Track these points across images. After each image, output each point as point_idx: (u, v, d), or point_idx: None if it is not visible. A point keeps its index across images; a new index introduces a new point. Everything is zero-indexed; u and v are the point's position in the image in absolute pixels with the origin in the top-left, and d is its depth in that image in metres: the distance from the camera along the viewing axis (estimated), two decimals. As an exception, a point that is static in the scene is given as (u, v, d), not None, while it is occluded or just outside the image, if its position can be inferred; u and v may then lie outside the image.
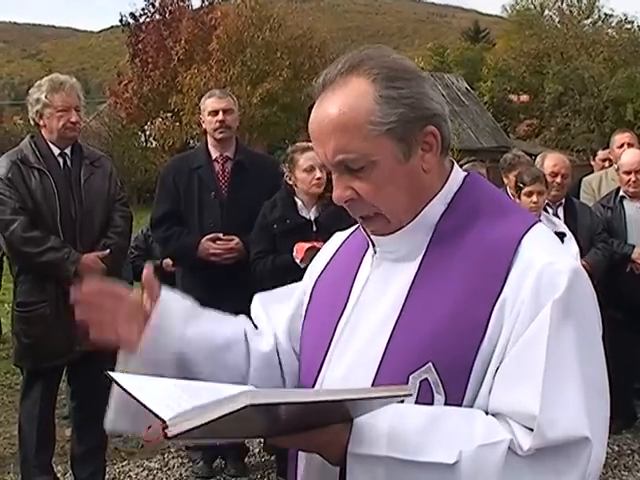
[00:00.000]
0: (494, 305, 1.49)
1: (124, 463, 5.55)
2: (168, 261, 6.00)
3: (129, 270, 6.05)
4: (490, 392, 1.49)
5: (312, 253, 4.46)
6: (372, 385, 1.55)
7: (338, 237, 1.95)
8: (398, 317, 1.58)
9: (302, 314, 1.86)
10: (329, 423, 1.44)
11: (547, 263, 1.50)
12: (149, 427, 1.35)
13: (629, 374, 6.22)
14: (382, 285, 1.67)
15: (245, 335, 1.86)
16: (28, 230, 4.42)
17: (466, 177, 1.70)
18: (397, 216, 1.63)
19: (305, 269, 4.81)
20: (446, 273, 1.57)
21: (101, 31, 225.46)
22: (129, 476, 5.42)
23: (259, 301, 2.01)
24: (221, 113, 5.16)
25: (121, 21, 37.54)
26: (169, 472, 5.45)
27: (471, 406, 1.50)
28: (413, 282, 1.60)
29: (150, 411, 1.37)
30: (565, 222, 5.79)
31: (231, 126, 5.21)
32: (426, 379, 1.51)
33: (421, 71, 1.67)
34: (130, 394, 1.45)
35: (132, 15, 37.02)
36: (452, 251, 1.59)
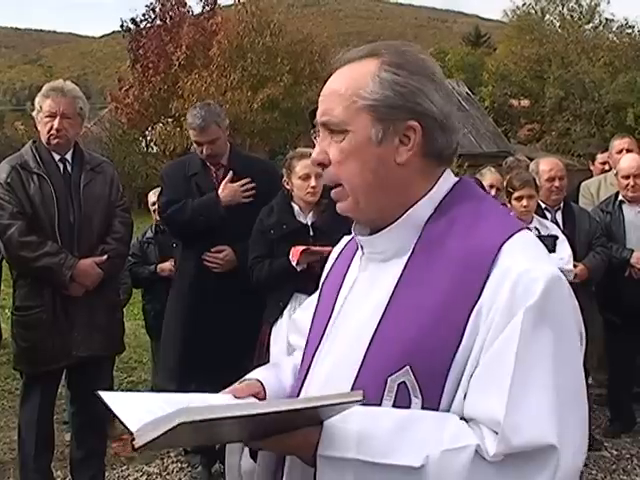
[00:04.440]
0: (471, 311, 1.50)
1: (123, 468, 5.55)
2: (163, 266, 6.08)
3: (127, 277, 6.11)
4: (465, 397, 1.51)
5: (308, 255, 4.49)
6: (352, 386, 1.58)
7: (344, 240, 1.98)
8: (380, 319, 1.60)
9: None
10: (299, 427, 1.49)
11: (524, 270, 1.50)
12: (119, 439, 1.43)
13: (628, 378, 6.23)
14: (368, 286, 1.70)
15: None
16: (25, 235, 4.43)
17: (457, 182, 1.71)
18: (356, 195, 1.65)
19: (301, 272, 4.82)
20: (429, 277, 1.57)
21: (102, 36, 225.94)
22: (128, 481, 5.43)
23: (294, 316, 2.11)
24: (205, 147, 5.02)
25: (122, 26, 37.47)
26: (168, 477, 5.46)
27: (448, 410, 1.51)
28: (397, 284, 1.62)
29: (122, 424, 1.44)
30: (564, 226, 5.81)
31: (218, 153, 5.08)
32: (404, 382, 1.53)
33: (437, 75, 1.67)
34: (110, 410, 1.51)
35: (133, 21, 36.95)
36: (436, 255, 1.59)
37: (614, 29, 46.46)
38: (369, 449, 1.46)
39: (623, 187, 6.07)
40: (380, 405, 1.53)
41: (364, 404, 1.49)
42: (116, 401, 1.56)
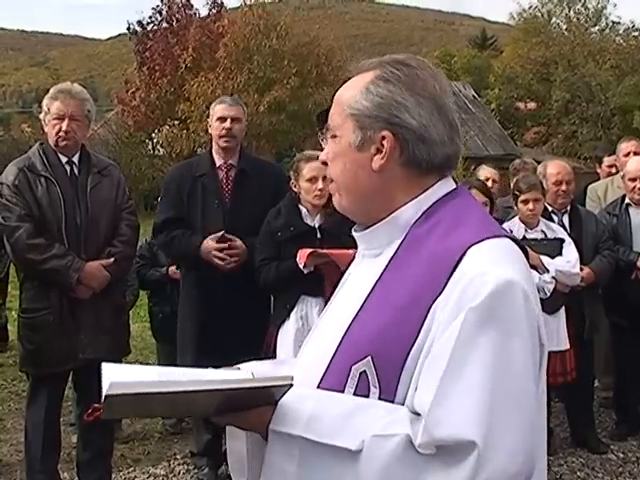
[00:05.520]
0: (429, 310, 1.56)
1: (130, 470, 5.56)
2: (174, 268, 6.03)
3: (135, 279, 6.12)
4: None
5: (315, 258, 4.49)
6: (324, 374, 1.69)
7: None
8: (357, 312, 1.70)
9: None
10: (258, 405, 1.61)
11: (479, 273, 1.54)
12: (89, 409, 1.61)
13: (634, 380, 6.21)
14: (358, 280, 1.81)
15: None
16: (33, 237, 4.45)
17: (452, 190, 1.76)
18: (340, 192, 1.81)
19: (308, 274, 4.81)
20: (404, 275, 1.65)
21: (109, 39, 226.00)
22: (135, 483, 5.43)
23: None
24: (229, 121, 5.11)
25: (129, 29, 37.57)
26: (175, 479, 5.46)
27: (403, 403, 1.58)
28: (378, 279, 1.70)
29: (99, 396, 1.54)
30: (570, 230, 5.80)
31: (237, 135, 5.17)
32: (364, 371, 1.61)
33: (428, 91, 1.72)
34: (100, 385, 1.60)
35: (139, 23, 37.02)
36: (414, 255, 1.66)
37: (620, 32, 46.43)
38: (315, 429, 1.56)
39: (630, 190, 6.07)
40: (343, 392, 1.63)
41: (329, 389, 1.64)
42: (111, 372, 1.64)
